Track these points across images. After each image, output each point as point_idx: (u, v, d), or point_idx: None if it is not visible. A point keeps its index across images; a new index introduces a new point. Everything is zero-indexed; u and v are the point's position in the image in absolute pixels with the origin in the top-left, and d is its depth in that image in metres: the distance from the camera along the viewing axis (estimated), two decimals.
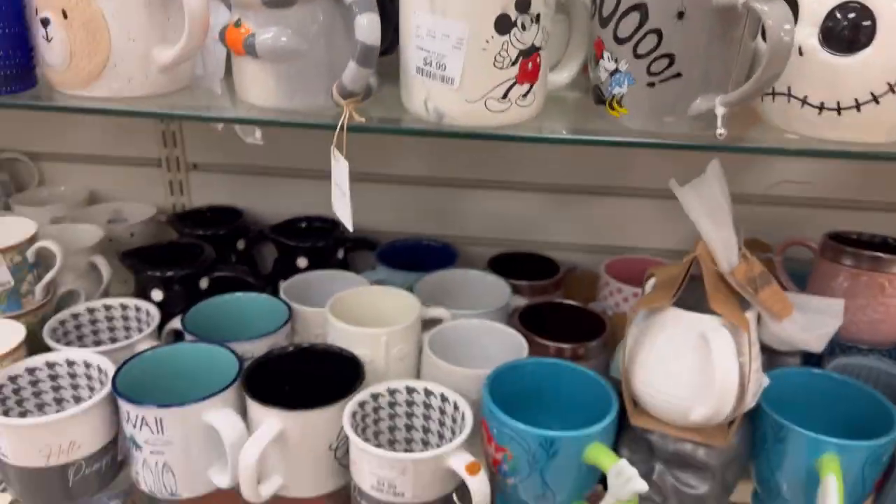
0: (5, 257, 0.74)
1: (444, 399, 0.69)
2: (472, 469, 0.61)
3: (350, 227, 0.55)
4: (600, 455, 0.60)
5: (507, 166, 0.97)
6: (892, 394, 0.67)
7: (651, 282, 0.64)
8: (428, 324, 0.80)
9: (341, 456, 0.68)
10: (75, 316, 0.79)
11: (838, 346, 0.79)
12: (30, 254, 0.76)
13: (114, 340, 0.80)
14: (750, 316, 0.59)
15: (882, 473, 0.62)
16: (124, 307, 0.81)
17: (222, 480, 0.67)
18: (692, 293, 0.62)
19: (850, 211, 0.91)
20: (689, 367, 0.59)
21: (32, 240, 0.77)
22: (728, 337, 0.56)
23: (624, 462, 0.58)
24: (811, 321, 0.60)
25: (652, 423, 0.63)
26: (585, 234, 1.00)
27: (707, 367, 0.57)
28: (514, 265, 0.95)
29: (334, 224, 0.98)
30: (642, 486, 0.57)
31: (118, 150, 1.02)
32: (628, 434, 0.65)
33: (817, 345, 0.60)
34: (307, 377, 0.71)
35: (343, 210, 0.54)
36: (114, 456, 0.69)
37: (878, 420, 0.63)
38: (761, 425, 0.65)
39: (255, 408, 0.66)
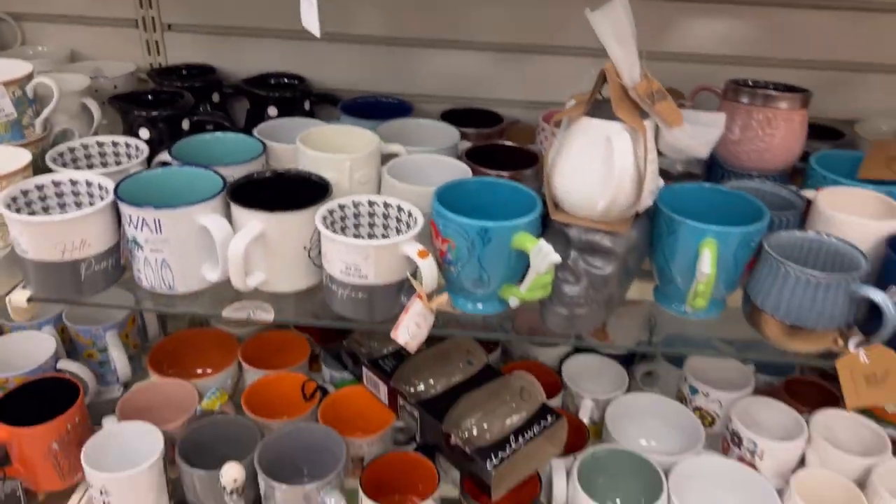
0: (8, 90, 0.83)
1: (399, 209, 0.82)
2: (422, 254, 0.75)
3: (318, 34, 0.65)
4: (525, 240, 0.74)
5: (457, 26, 1.08)
6: (773, 209, 0.82)
7: (571, 101, 0.76)
8: (386, 158, 0.92)
9: (314, 256, 0.81)
10: (71, 150, 0.89)
11: (732, 173, 0.93)
12: (29, 89, 0.85)
13: None
14: (648, 124, 0.72)
15: (752, 256, 0.77)
16: (115, 143, 0.91)
17: (213, 275, 0.80)
18: (604, 112, 0.74)
19: (751, 67, 1.04)
20: (597, 167, 0.72)
21: (30, 77, 0.86)
22: (627, 138, 0.70)
23: (542, 241, 0.72)
24: (698, 131, 0.73)
25: (568, 217, 0.76)
26: (526, 91, 1.12)
27: (611, 165, 0.70)
28: (464, 119, 1.07)
29: (300, 79, 1.09)
30: (556, 258, 0.71)
31: (97, 11, 1.09)
32: (550, 232, 0.78)
33: (703, 151, 0.74)
34: (282, 199, 0.83)
35: (311, 20, 0.64)
36: (117, 259, 0.81)
37: (752, 218, 0.78)
38: (658, 223, 0.79)
39: (239, 212, 0.78)
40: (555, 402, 1.11)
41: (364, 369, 1.06)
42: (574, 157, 0.73)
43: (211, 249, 0.78)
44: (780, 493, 0.94)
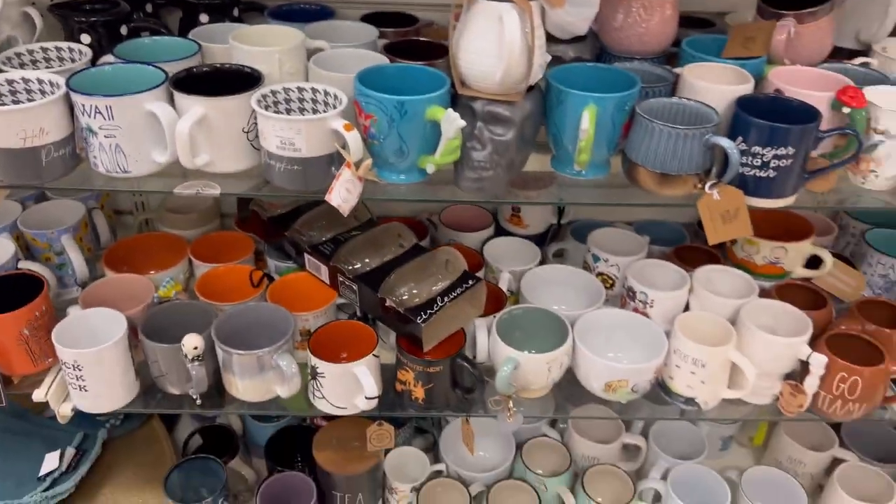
0: None
1: (326, 93, 0.93)
2: (347, 127, 0.86)
3: None
4: (437, 111, 0.86)
5: None
6: (649, 83, 0.97)
7: None
8: (311, 54, 1.02)
9: (253, 139, 0.91)
10: (18, 55, 0.96)
11: (615, 57, 1.07)
12: None
13: None
14: (534, 5, 0.84)
15: (627, 120, 0.92)
16: (59, 49, 0.98)
17: (163, 157, 0.89)
18: None
19: None
20: (492, 43, 0.84)
21: None
22: (516, 16, 0.82)
23: (450, 110, 0.84)
24: (578, 11, 0.86)
25: (472, 91, 0.89)
26: None
27: (503, 39, 0.82)
28: (382, 21, 1.17)
29: None
30: (462, 122, 0.84)
31: None
32: (458, 107, 0.90)
33: (583, 26, 0.87)
34: (219, 90, 0.91)
35: None
36: (73, 148, 0.90)
37: (628, 88, 0.92)
38: (549, 97, 0.92)
39: (181, 99, 0.87)
40: None
41: (306, 255, 1.18)
42: (473, 36, 0.85)
43: (160, 136, 0.88)
44: (668, 334, 1.11)
